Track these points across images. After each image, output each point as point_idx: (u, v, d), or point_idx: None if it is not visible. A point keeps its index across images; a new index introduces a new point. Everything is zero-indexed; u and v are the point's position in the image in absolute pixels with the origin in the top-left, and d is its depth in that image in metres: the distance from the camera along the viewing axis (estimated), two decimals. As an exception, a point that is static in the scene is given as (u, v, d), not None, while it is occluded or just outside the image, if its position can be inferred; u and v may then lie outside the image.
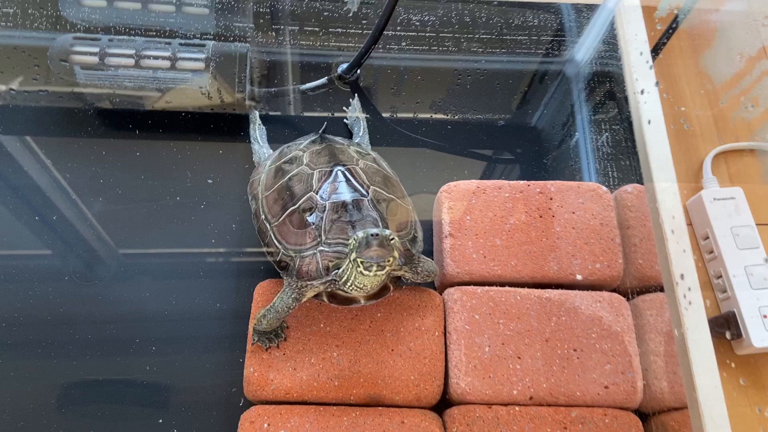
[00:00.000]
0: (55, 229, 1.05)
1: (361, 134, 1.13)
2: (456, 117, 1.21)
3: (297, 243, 0.86)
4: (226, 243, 1.06)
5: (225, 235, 1.06)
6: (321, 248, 0.83)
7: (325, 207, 0.85)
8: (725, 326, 0.94)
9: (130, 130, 1.13)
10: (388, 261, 0.77)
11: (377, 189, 0.90)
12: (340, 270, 0.81)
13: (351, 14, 1.26)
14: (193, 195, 1.08)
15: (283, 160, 0.97)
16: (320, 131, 1.04)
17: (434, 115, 1.21)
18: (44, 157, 1.09)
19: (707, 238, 1.00)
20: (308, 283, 0.84)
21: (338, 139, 1.02)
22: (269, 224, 0.91)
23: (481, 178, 1.13)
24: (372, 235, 0.74)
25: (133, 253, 1.04)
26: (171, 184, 1.09)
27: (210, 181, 1.09)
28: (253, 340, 0.90)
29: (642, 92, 0.97)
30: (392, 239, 0.75)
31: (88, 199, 1.07)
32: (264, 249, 0.91)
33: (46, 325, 0.97)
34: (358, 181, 0.89)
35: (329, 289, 0.86)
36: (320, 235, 0.84)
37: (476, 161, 1.19)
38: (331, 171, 0.90)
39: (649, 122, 0.94)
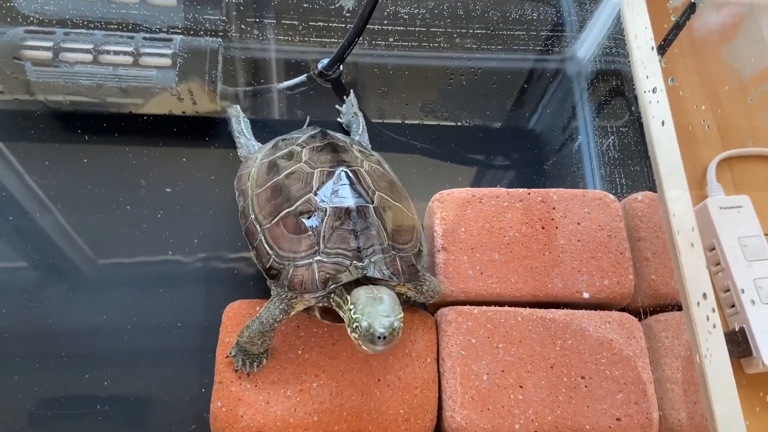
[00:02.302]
0: (3, 241, 0.94)
1: (360, 132, 1.03)
2: (448, 120, 1.12)
3: (291, 249, 0.77)
4: (192, 255, 0.95)
5: (189, 247, 0.96)
6: (318, 258, 0.74)
7: (325, 212, 0.76)
8: (734, 344, 0.89)
9: (88, 133, 1.02)
10: (399, 332, 0.69)
11: (383, 195, 0.80)
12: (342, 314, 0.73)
13: (334, 7, 1.16)
14: (151, 204, 0.98)
15: (278, 155, 0.87)
16: (306, 124, 0.93)
17: (425, 119, 1.11)
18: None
19: (713, 249, 0.96)
20: (300, 295, 0.75)
21: (340, 135, 0.91)
22: (259, 225, 0.81)
23: (476, 185, 1.04)
24: (379, 336, 0.66)
25: (90, 266, 0.94)
26: (130, 193, 0.99)
27: (169, 189, 0.99)
28: (231, 352, 0.81)
29: (654, 90, 0.88)
30: (400, 327, 0.68)
31: (40, 210, 0.96)
32: (252, 253, 0.82)
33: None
34: (363, 186, 0.79)
35: (322, 304, 0.77)
36: (318, 243, 0.75)
37: (470, 168, 1.10)
38: (334, 172, 0.80)
39: (663, 123, 0.85)
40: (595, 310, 0.88)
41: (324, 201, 0.77)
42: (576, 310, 0.87)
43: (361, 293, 0.71)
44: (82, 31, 1.03)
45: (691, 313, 0.81)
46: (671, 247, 0.86)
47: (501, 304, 0.88)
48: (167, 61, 1.01)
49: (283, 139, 0.92)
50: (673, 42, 0.96)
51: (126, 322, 0.90)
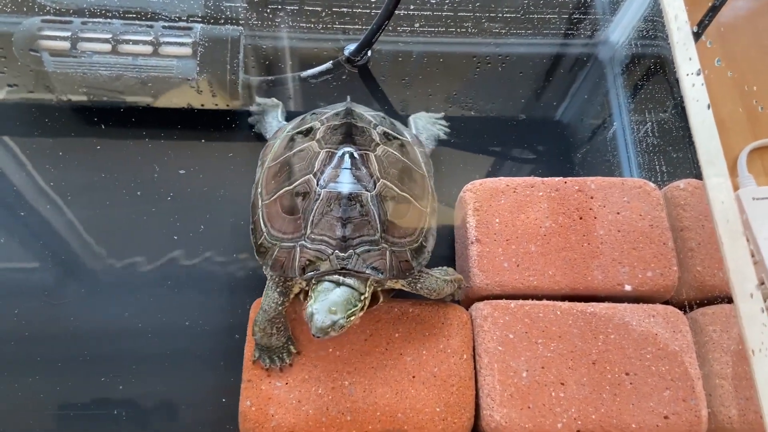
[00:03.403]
0: (24, 238, 0.92)
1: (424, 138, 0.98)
2: (473, 110, 1.08)
3: (281, 230, 0.75)
4: (218, 253, 0.92)
5: (215, 245, 0.93)
6: (302, 243, 0.72)
7: (319, 195, 0.73)
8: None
9: (110, 126, 0.99)
10: (342, 329, 0.69)
11: (388, 184, 0.76)
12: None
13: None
14: (177, 202, 0.95)
15: (299, 129, 0.84)
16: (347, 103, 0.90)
17: (449, 109, 1.07)
18: (12, 155, 0.96)
19: (746, 241, 0.89)
20: (283, 276, 0.74)
21: (369, 114, 0.87)
22: (261, 200, 0.80)
23: (507, 176, 1.00)
24: (314, 333, 0.67)
25: (112, 263, 0.91)
26: (152, 189, 0.96)
27: (196, 185, 0.96)
28: (254, 356, 0.78)
29: (697, 73, 0.83)
30: (343, 326, 0.68)
31: (61, 204, 0.93)
32: (251, 227, 0.80)
33: (11, 340, 0.85)
34: (367, 171, 0.76)
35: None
36: (306, 228, 0.73)
37: (498, 158, 1.06)
38: (337, 154, 0.76)
39: (708, 107, 0.81)
40: (637, 303, 0.84)
41: (322, 184, 0.74)
42: (618, 304, 0.83)
43: (325, 282, 0.71)
44: (100, 20, 1.00)
45: (743, 306, 0.77)
46: (723, 236, 0.82)
47: (538, 297, 0.84)
48: (187, 51, 0.98)
49: (313, 113, 0.89)
50: (711, 21, 0.91)
51: (149, 321, 0.88)
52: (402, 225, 0.76)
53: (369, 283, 0.73)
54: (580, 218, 0.88)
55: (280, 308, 0.75)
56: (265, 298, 0.76)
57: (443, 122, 1.02)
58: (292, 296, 0.76)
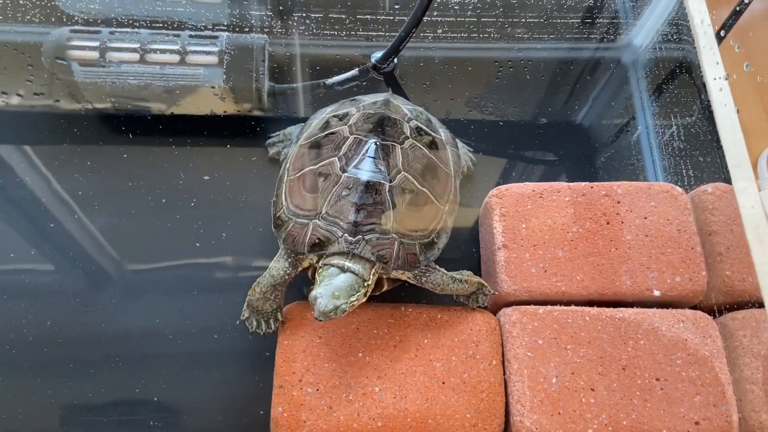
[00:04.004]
0: (55, 246, 0.93)
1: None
2: (494, 114, 1.08)
3: (298, 206, 0.78)
4: (246, 258, 0.93)
5: (242, 250, 0.93)
6: (315, 221, 0.75)
7: (339, 178, 0.76)
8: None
9: (136, 134, 1.00)
10: (344, 312, 0.70)
11: (409, 177, 0.78)
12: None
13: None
14: (203, 206, 0.96)
15: (335, 113, 0.87)
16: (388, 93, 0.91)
17: (468, 114, 1.07)
18: (41, 165, 0.97)
19: None
20: (294, 250, 0.77)
21: (406, 108, 0.88)
22: (287, 175, 0.83)
23: (529, 180, 1.00)
24: (317, 316, 0.69)
25: (140, 270, 0.92)
26: (178, 195, 0.97)
27: (222, 192, 0.97)
28: (243, 315, 0.82)
29: (724, 78, 0.83)
30: (345, 311, 0.70)
31: (89, 212, 0.94)
32: (273, 199, 0.83)
33: (44, 345, 0.86)
34: (389, 162, 0.78)
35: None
36: (322, 207, 0.76)
37: (521, 163, 1.06)
38: (365, 142, 0.79)
39: (738, 111, 0.80)
40: (665, 308, 0.84)
41: (344, 168, 0.76)
42: (647, 309, 0.83)
43: (330, 267, 0.72)
44: (128, 30, 1.01)
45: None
46: (748, 241, 0.81)
47: (566, 303, 0.84)
48: (214, 59, 0.99)
49: (353, 99, 0.92)
50: (735, 24, 0.90)
51: (178, 326, 0.88)
52: (416, 219, 0.78)
53: (374, 270, 0.74)
54: (607, 223, 0.88)
55: (286, 277, 0.78)
56: (275, 263, 0.78)
57: (471, 155, 1.02)
58: (300, 269, 0.78)
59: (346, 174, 0.76)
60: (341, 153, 0.78)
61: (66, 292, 0.89)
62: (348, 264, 0.72)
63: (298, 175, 0.80)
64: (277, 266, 0.78)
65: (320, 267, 0.73)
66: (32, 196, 0.95)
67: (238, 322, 0.82)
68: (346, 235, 0.73)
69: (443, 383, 0.79)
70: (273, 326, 0.81)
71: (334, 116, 0.86)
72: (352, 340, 0.81)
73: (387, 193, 0.75)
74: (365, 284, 0.72)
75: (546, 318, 0.82)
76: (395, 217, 0.75)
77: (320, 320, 0.68)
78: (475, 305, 0.85)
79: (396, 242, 0.75)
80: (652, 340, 0.80)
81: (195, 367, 0.86)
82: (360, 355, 0.80)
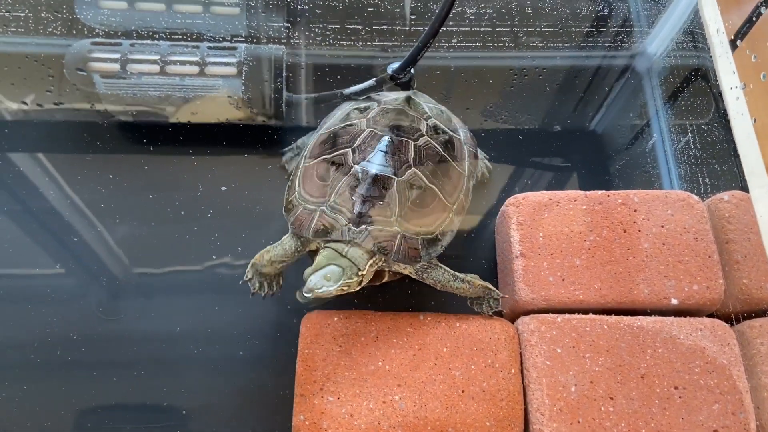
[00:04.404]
0: (78, 257, 0.94)
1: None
2: (509, 123, 1.09)
3: (309, 192, 0.81)
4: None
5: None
6: (323, 209, 0.77)
7: (350, 169, 0.78)
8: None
9: (157, 145, 1.02)
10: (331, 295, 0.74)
11: (419, 173, 0.80)
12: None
13: (399, 9, 1.13)
14: (222, 213, 0.98)
15: (357, 106, 0.91)
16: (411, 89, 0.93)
17: (484, 123, 1.08)
18: (63, 178, 0.99)
19: None
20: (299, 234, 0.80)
21: (427, 106, 0.91)
22: (303, 162, 0.86)
23: (544, 189, 1.01)
24: (307, 289, 0.71)
25: (161, 279, 0.93)
26: (196, 205, 0.98)
27: (241, 200, 0.98)
28: (246, 276, 0.86)
29: (742, 87, 0.83)
30: (331, 294, 0.72)
31: (110, 225, 0.96)
32: (287, 184, 0.85)
33: (68, 353, 0.88)
34: (401, 158, 0.80)
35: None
36: (330, 196, 0.78)
37: (536, 171, 1.07)
38: (380, 136, 0.81)
39: (755, 121, 0.81)
40: (683, 316, 0.84)
41: (356, 160, 0.79)
42: (665, 317, 0.83)
43: (329, 250, 0.75)
44: (148, 42, 1.03)
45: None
46: (766, 249, 0.82)
47: (584, 311, 0.84)
48: (233, 70, 1.00)
49: (379, 94, 0.95)
50: (749, 33, 0.91)
51: (200, 333, 0.89)
52: (421, 214, 0.79)
53: (373, 261, 0.76)
54: (624, 231, 0.88)
55: (296, 254, 0.81)
56: (288, 238, 0.81)
57: (488, 162, 1.03)
58: (307, 249, 0.81)
59: (357, 165, 0.78)
60: (355, 145, 0.81)
61: (89, 301, 0.90)
62: (347, 249, 0.74)
63: (312, 162, 0.83)
64: (289, 244, 0.81)
65: (322, 247, 0.76)
66: (54, 209, 0.97)
67: (240, 283, 0.85)
68: (350, 224, 0.75)
69: (463, 392, 0.79)
70: (274, 288, 0.86)
71: (356, 109, 0.89)
72: (372, 348, 0.82)
73: (394, 188, 0.77)
74: (359, 273, 0.74)
75: (564, 326, 0.82)
76: (401, 211, 0.77)
77: (306, 296, 0.71)
78: (489, 311, 0.86)
79: (398, 236, 0.76)
80: (670, 348, 0.81)
81: (216, 375, 0.87)
82: (380, 363, 0.81)
